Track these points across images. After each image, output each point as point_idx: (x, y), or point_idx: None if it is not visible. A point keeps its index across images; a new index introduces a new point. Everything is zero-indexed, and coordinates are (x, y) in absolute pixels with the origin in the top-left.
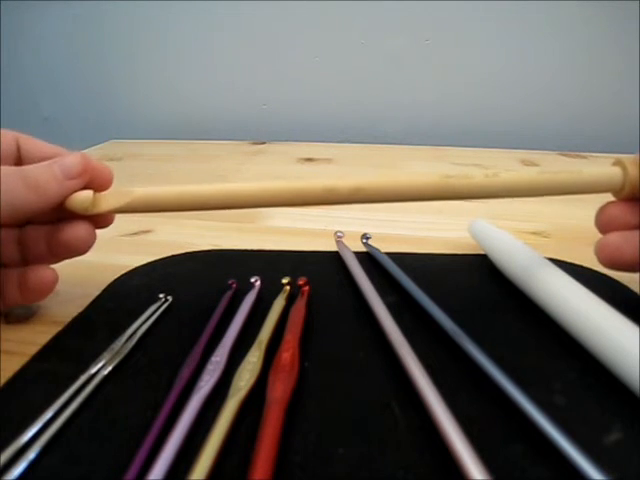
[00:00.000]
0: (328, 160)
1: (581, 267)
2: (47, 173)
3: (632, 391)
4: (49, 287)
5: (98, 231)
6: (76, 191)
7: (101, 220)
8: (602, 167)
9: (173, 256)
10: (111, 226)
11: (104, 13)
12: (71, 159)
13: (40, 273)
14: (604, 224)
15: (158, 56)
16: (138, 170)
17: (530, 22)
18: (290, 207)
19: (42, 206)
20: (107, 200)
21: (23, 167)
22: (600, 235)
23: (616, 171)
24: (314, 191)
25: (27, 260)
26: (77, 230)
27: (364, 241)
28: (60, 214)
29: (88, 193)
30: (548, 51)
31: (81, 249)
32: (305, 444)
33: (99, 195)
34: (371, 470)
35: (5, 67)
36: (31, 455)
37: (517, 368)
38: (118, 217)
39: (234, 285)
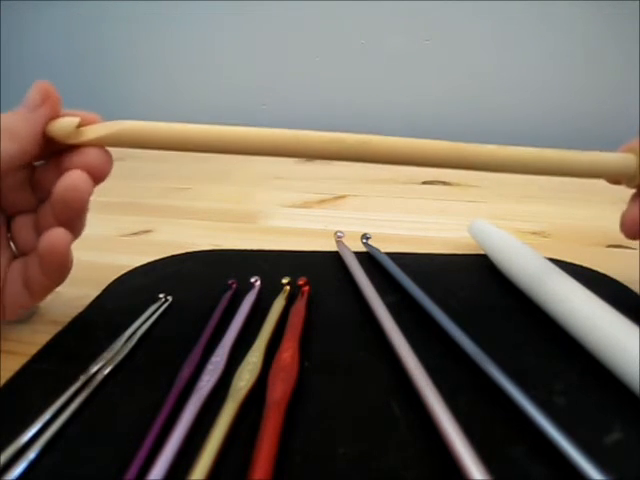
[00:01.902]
0: (328, 160)
1: (581, 267)
2: (13, 116)
3: (632, 391)
4: (62, 248)
5: (98, 231)
6: (47, 121)
7: (95, 169)
8: (613, 153)
9: (173, 256)
10: (111, 226)
11: (104, 13)
12: (30, 92)
13: (50, 234)
14: (629, 228)
15: (158, 56)
16: (138, 170)
17: (530, 22)
18: (286, 157)
19: (23, 150)
20: (93, 129)
21: None
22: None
23: (629, 158)
24: (319, 140)
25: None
26: (68, 176)
27: (364, 241)
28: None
29: (72, 119)
30: (548, 51)
31: (74, 196)
32: (305, 444)
33: (85, 127)
34: (371, 470)
35: (5, 67)
36: (31, 455)
37: (517, 368)
38: (118, 217)
39: (234, 285)
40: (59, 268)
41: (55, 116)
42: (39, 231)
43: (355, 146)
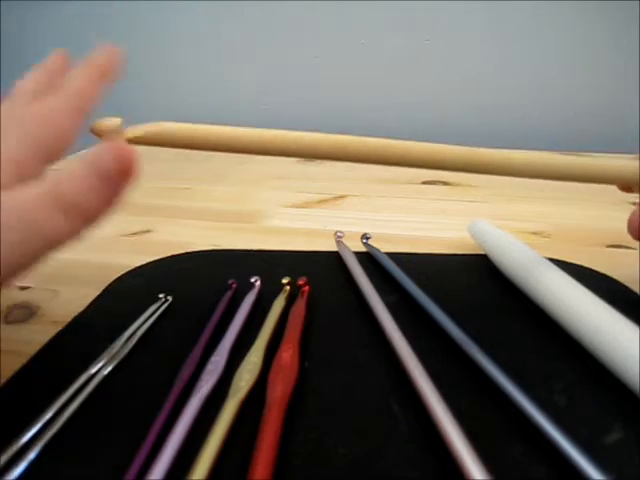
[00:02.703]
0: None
1: (581, 267)
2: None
3: (632, 391)
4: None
5: (98, 231)
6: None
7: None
8: (619, 159)
9: (173, 256)
10: (111, 226)
11: (104, 13)
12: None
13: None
14: (635, 229)
15: (158, 56)
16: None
17: (530, 22)
18: (318, 159)
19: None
20: (135, 129)
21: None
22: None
23: (634, 164)
24: (345, 144)
25: None
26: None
27: (364, 241)
28: None
29: (116, 119)
30: (548, 51)
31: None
32: (305, 444)
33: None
34: (371, 470)
35: (5, 67)
36: (31, 455)
37: (517, 368)
38: (118, 217)
39: (234, 285)
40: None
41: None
42: None
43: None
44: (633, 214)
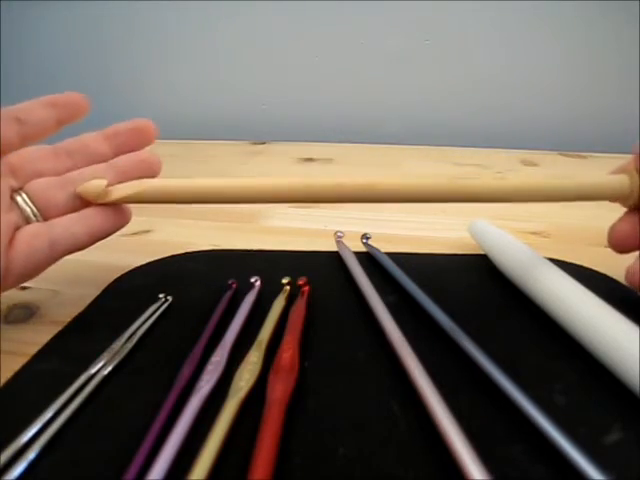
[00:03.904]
0: (328, 160)
1: (581, 267)
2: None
3: (632, 391)
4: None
5: None
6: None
7: (119, 214)
8: (607, 176)
9: (173, 256)
10: None
11: (104, 13)
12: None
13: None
14: (618, 243)
15: (158, 56)
16: None
17: (530, 22)
18: (299, 202)
19: None
20: (119, 189)
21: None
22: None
23: (622, 179)
24: (324, 188)
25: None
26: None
27: (364, 241)
28: None
29: (100, 181)
30: (548, 51)
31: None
32: (305, 444)
33: (112, 186)
34: (371, 470)
35: (5, 67)
36: (31, 455)
37: (517, 368)
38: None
39: (234, 285)
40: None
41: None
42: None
43: (358, 192)
44: (615, 225)
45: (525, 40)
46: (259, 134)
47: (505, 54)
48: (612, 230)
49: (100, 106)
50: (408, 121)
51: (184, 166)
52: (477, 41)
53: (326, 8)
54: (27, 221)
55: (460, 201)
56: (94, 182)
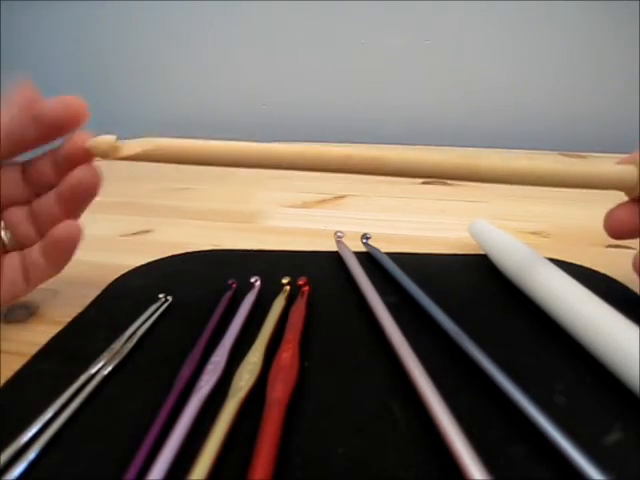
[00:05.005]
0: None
1: (581, 267)
2: None
3: (632, 391)
4: (76, 236)
5: (98, 231)
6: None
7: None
8: (616, 165)
9: (173, 256)
10: (111, 226)
11: (104, 13)
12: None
13: (66, 223)
14: (613, 229)
15: (158, 56)
16: (138, 170)
17: (530, 22)
18: (306, 170)
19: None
20: (129, 146)
21: None
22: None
23: (631, 169)
24: (332, 156)
25: (42, 234)
26: (82, 170)
27: (364, 241)
28: (63, 171)
29: (110, 137)
30: (548, 51)
31: (93, 187)
32: (305, 444)
33: (122, 144)
34: (371, 470)
35: (5, 67)
36: (31, 455)
37: (517, 368)
38: (118, 217)
39: (234, 285)
40: (66, 258)
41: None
42: (37, 223)
43: (366, 163)
44: (612, 211)
45: (525, 40)
46: (259, 134)
47: (505, 54)
48: (609, 216)
49: (100, 107)
50: (408, 121)
51: (184, 166)
52: (477, 41)
53: (326, 8)
54: (5, 249)
55: (466, 179)
56: (104, 138)
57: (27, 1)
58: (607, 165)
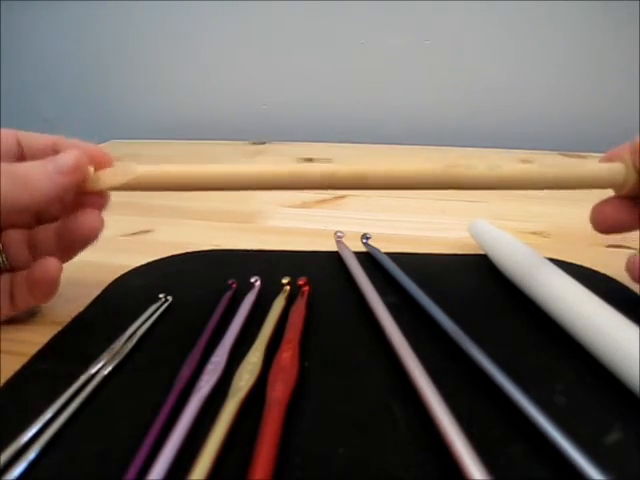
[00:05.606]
0: (328, 160)
1: (581, 267)
2: (38, 169)
3: (632, 391)
4: (53, 277)
5: None
6: (69, 187)
7: (97, 201)
8: (604, 164)
9: (173, 256)
10: (111, 226)
11: (104, 13)
12: (65, 156)
13: (45, 263)
14: (598, 223)
15: (157, 56)
16: None
17: (530, 22)
18: (289, 190)
19: (35, 202)
20: (108, 177)
21: (15, 164)
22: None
23: (618, 168)
24: (314, 176)
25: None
26: (86, 216)
27: (364, 241)
28: (68, 209)
29: (88, 169)
30: (548, 51)
31: (92, 235)
32: (305, 444)
33: (100, 172)
34: (371, 470)
35: (5, 68)
36: (31, 455)
37: (517, 368)
38: (118, 217)
39: (234, 285)
40: (47, 293)
41: (81, 186)
42: (33, 250)
43: (350, 180)
44: (597, 206)
45: (525, 40)
46: (259, 134)
47: (505, 54)
48: (594, 211)
49: (100, 107)
50: (408, 121)
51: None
52: (477, 41)
53: (326, 8)
54: None
55: (453, 188)
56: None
57: (27, 1)
58: (595, 165)
